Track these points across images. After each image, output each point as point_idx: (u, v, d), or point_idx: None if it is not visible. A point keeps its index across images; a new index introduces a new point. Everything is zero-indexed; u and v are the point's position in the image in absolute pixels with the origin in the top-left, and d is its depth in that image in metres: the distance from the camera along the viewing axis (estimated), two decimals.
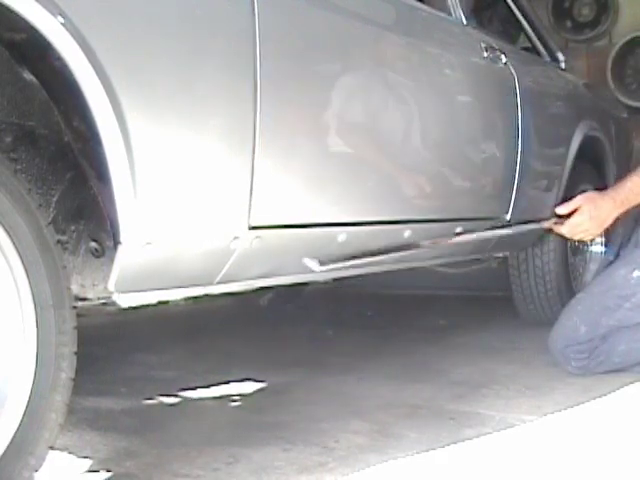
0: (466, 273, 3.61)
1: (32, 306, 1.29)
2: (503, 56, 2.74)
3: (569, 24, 5.59)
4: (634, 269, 2.42)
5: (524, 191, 2.77)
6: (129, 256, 1.45)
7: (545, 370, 2.47)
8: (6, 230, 1.26)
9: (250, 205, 1.66)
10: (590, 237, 2.56)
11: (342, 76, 1.94)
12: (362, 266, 2.15)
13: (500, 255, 3.14)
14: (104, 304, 1.58)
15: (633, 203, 2.53)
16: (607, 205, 2.47)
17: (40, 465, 1.31)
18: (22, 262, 1.28)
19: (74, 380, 1.37)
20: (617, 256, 2.63)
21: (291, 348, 3.06)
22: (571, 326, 2.43)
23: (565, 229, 2.53)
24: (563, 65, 3.56)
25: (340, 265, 1.94)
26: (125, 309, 1.57)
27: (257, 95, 1.62)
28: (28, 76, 1.38)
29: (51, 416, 1.32)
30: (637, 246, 2.49)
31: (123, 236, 1.42)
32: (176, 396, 2.34)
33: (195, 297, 1.76)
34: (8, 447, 1.26)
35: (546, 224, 2.64)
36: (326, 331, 3.34)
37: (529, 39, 3.52)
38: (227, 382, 2.46)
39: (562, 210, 2.53)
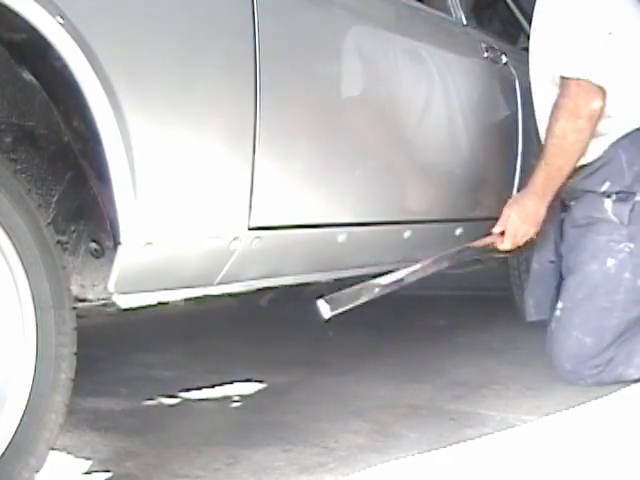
0: (466, 273, 3.60)
1: (32, 307, 1.29)
2: (503, 56, 2.74)
3: None
4: (606, 259, 2.33)
5: None
6: (129, 256, 1.45)
7: (545, 370, 2.47)
8: (6, 230, 1.26)
9: (250, 206, 1.66)
10: (531, 236, 2.38)
11: (342, 76, 1.94)
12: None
13: (500, 255, 3.14)
14: (104, 305, 1.58)
15: (555, 189, 2.37)
16: (531, 201, 2.35)
17: (40, 465, 1.31)
18: (22, 263, 1.28)
19: (74, 380, 1.37)
20: (559, 259, 2.49)
21: (291, 348, 3.06)
22: (574, 343, 2.32)
23: (507, 243, 2.38)
24: None
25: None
26: (125, 310, 1.57)
27: (257, 96, 1.62)
28: (28, 76, 1.38)
29: (51, 416, 1.32)
30: (587, 232, 2.37)
31: (123, 236, 1.42)
32: (176, 396, 2.34)
33: (195, 297, 1.76)
34: (8, 447, 1.26)
35: (487, 241, 2.41)
36: (326, 331, 3.34)
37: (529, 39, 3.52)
38: (227, 382, 2.46)
39: (498, 228, 2.38)
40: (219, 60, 1.59)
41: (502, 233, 2.36)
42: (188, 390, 2.39)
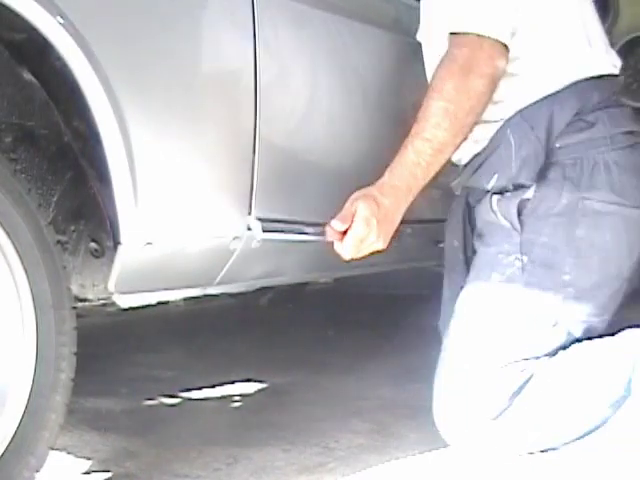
0: None
1: (32, 307, 1.29)
2: None
3: None
4: (490, 274, 1.77)
5: None
6: (129, 256, 1.45)
7: None
8: (6, 230, 1.26)
9: (250, 205, 1.66)
10: (381, 247, 1.71)
11: (341, 77, 1.94)
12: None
13: None
14: (104, 304, 1.58)
15: (423, 182, 1.71)
16: (391, 200, 1.67)
17: (40, 465, 1.32)
18: (22, 262, 1.28)
19: (74, 380, 1.37)
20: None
21: (291, 348, 3.05)
22: None
23: (349, 250, 1.66)
24: None
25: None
26: (125, 309, 1.57)
27: (257, 96, 1.62)
28: (28, 76, 1.38)
29: (51, 416, 1.32)
30: (480, 242, 1.84)
31: (123, 236, 1.42)
32: (176, 396, 2.34)
33: (195, 297, 1.76)
34: (8, 447, 1.26)
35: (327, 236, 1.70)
36: (326, 331, 3.34)
37: None
38: (227, 382, 2.46)
39: (340, 225, 1.66)
40: (219, 60, 1.59)
41: (345, 232, 1.67)
42: (188, 390, 2.38)
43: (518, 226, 1.75)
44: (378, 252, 1.72)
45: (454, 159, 1.88)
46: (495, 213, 1.78)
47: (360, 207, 1.65)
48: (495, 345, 1.72)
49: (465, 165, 1.89)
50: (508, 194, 1.77)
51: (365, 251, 1.70)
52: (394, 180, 1.69)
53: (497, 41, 1.71)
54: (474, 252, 1.87)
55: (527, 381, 1.70)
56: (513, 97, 1.79)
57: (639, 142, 1.84)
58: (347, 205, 1.68)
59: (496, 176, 1.77)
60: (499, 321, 1.73)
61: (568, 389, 1.71)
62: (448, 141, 1.70)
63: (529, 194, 1.75)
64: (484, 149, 1.82)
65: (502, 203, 1.77)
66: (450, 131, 1.69)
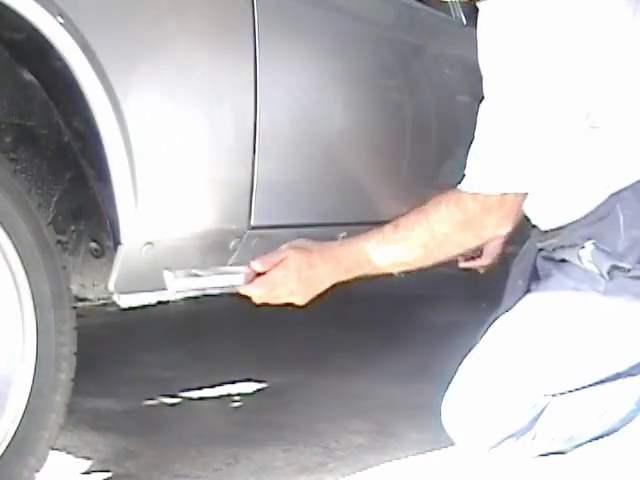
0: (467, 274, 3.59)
1: (32, 307, 1.29)
2: None
3: None
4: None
5: None
6: (129, 256, 1.45)
7: None
8: (6, 230, 1.26)
9: (251, 205, 1.66)
10: (298, 303, 1.67)
11: (341, 77, 1.94)
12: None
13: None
14: (104, 304, 1.58)
15: (362, 272, 1.66)
16: (326, 268, 1.62)
17: (40, 465, 1.32)
18: (22, 263, 1.28)
19: (74, 380, 1.37)
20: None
21: (291, 348, 3.05)
22: None
23: (257, 288, 1.58)
24: None
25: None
26: (125, 309, 1.57)
27: (257, 96, 1.62)
28: (28, 76, 1.38)
29: (51, 416, 1.32)
30: (557, 270, 1.75)
31: (123, 236, 1.42)
32: (176, 396, 2.34)
33: (195, 297, 1.76)
34: (8, 447, 1.26)
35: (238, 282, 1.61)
36: (326, 331, 3.34)
37: None
38: (227, 382, 2.46)
39: (260, 266, 1.59)
40: (220, 61, 1.59)
41: (263, 273, 1.59)
42: (188, 390, 2.38)
43: (607, 276, 1.65)
44: None
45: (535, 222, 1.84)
46: (584, 258, 1.68)
47: (290, 257, 1.59)
48: (540, 373, 1.69)
49: (551, 230, 1.80)
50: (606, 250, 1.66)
51: (276, 301, 1.64)
52: (340, 255, 1.65)
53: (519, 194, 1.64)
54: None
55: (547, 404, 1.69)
56: (620, 175, 1.68)
57: None
58: (280, 248, 1.63)
59: (595, 241, 1.67)
60: (555, 352, 1.69)
61: (579, 400, 1.70)
62: (409, 264, 1.69)
63: (629, 265, 1.65)
64: (582, 218, 1.71)
65: (596, 254, 1.66)
66: (418, 259, 1.67)
